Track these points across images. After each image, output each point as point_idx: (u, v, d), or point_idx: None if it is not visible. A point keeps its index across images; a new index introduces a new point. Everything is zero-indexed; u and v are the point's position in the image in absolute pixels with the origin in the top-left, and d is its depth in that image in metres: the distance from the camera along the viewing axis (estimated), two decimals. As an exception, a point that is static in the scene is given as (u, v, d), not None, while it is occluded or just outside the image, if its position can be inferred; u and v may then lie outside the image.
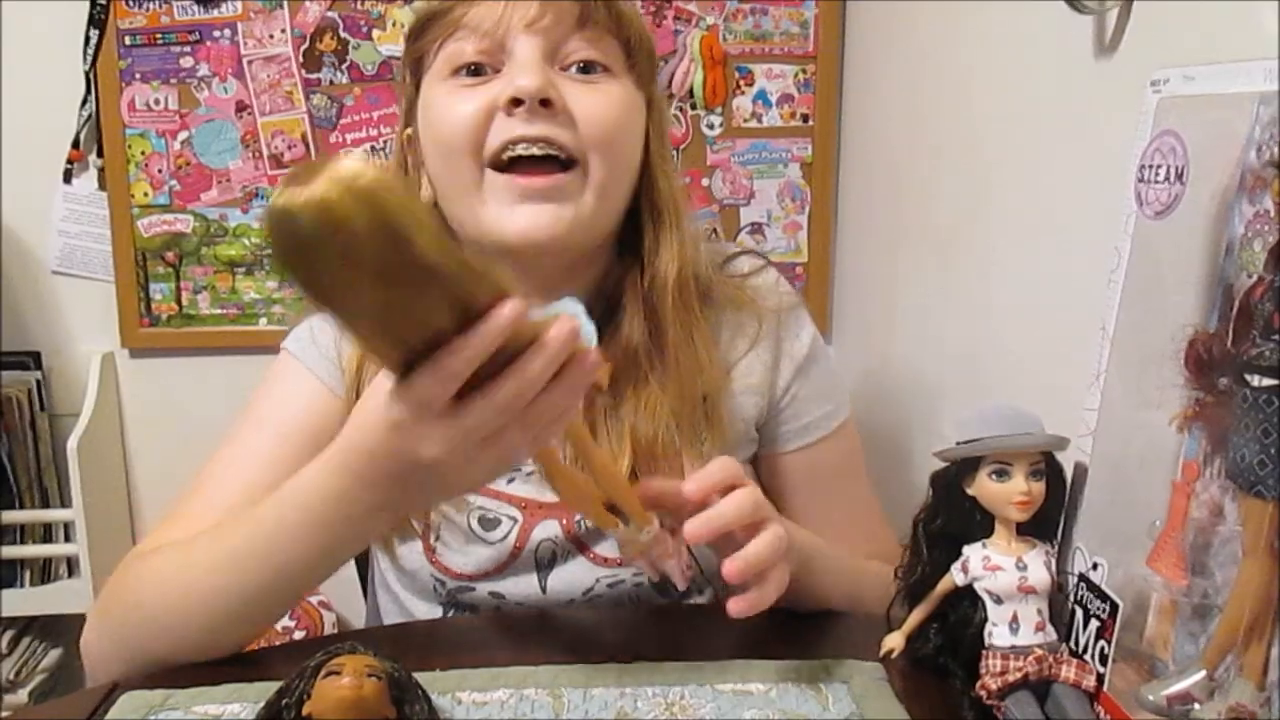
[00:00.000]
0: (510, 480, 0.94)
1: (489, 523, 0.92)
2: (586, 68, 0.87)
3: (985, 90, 1.18)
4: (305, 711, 0.61)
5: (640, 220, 0.92)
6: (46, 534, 1.76)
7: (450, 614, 0.96)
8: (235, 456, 0.89)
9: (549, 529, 0.92)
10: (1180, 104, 0.64)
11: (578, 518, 0.92)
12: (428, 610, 0.97)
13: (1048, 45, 1.00)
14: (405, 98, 0.94)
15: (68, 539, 1.74)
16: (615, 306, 0.92)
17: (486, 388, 0.59)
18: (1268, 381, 0.55)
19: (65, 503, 1.74)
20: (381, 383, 0.62)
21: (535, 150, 0.84)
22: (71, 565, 1.76)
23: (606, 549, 0.93)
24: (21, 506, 1.71)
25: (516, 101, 0.83)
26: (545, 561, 0.93)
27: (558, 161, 0.85)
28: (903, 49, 1.48)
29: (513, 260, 0.86)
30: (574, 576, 0.93)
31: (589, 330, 0.64)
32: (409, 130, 0.94)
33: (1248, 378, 0.56)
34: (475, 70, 0.86)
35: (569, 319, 0.60)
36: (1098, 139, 0.91)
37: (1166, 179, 0.64)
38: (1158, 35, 0.84)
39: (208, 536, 0.79)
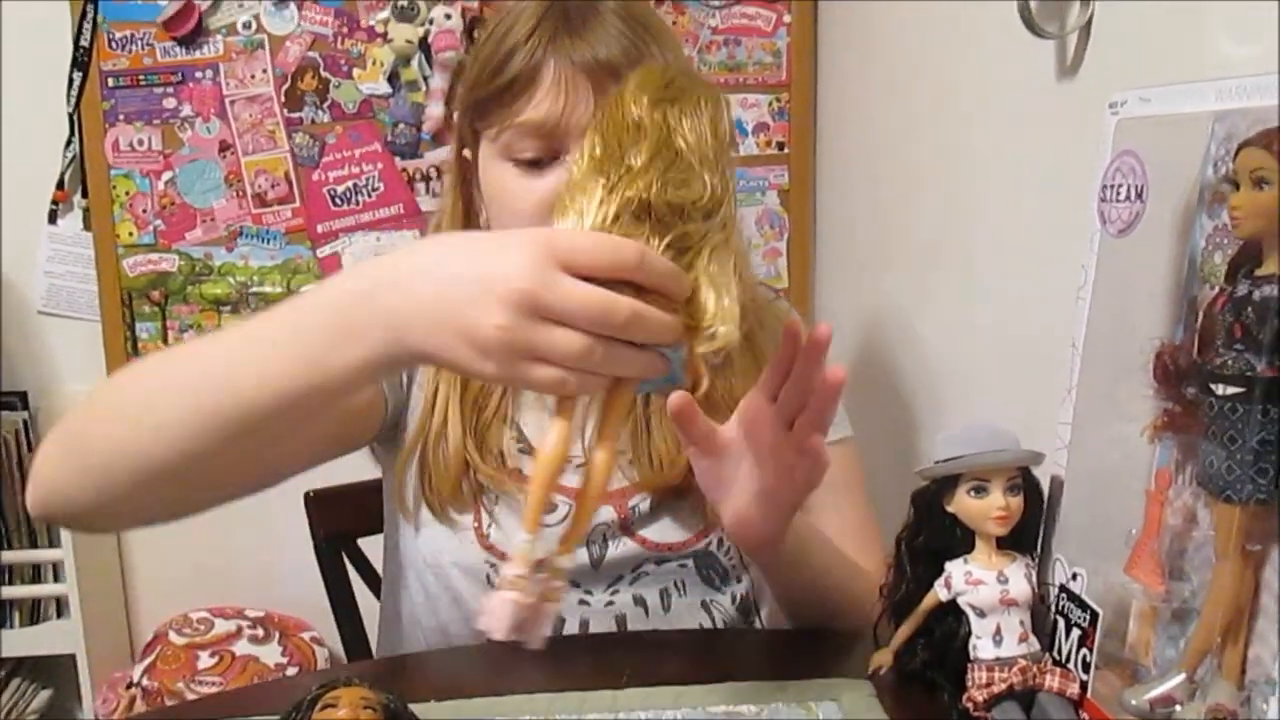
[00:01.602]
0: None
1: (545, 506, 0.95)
2: None
3: (954, 115, 1.21)
4: (302, 742, 0.62)
5: None
6: (35, 574, 1.76)
7: None
8: None
9: (603, 513, 0.96)
10: (1137, 125, 0.66)
11: (630, 503, 0.96)
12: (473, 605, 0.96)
13: (1012, 70, 1.03)
14: (461, 130, 0.98)
15: (56, 579, 1.74)
16: None
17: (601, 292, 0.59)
18: (1231, 390, 0.57)
19: (54, 543, 1.74)
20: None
21: None
22: (60, 605, 1.75)
23: (654, 533, 0.97)
24: (10, 547, 1.71)
25: None
26: (597, 541, 0.97)
27: None
28: (874, 75, 1.51)
29: None
30: (624, 554, 0.97)
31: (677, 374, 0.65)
32: (466, 152, 0.99)
33: (1213, 387, 0.58)
34: (533, 161, 0.90)
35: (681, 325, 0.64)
36: (1063, 160, 0.93)
37: (1127, 198, 0.67)
38: (1116, 58, 0.87)
39: (193, 341, 0.76)
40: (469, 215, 1.00)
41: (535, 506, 0.64)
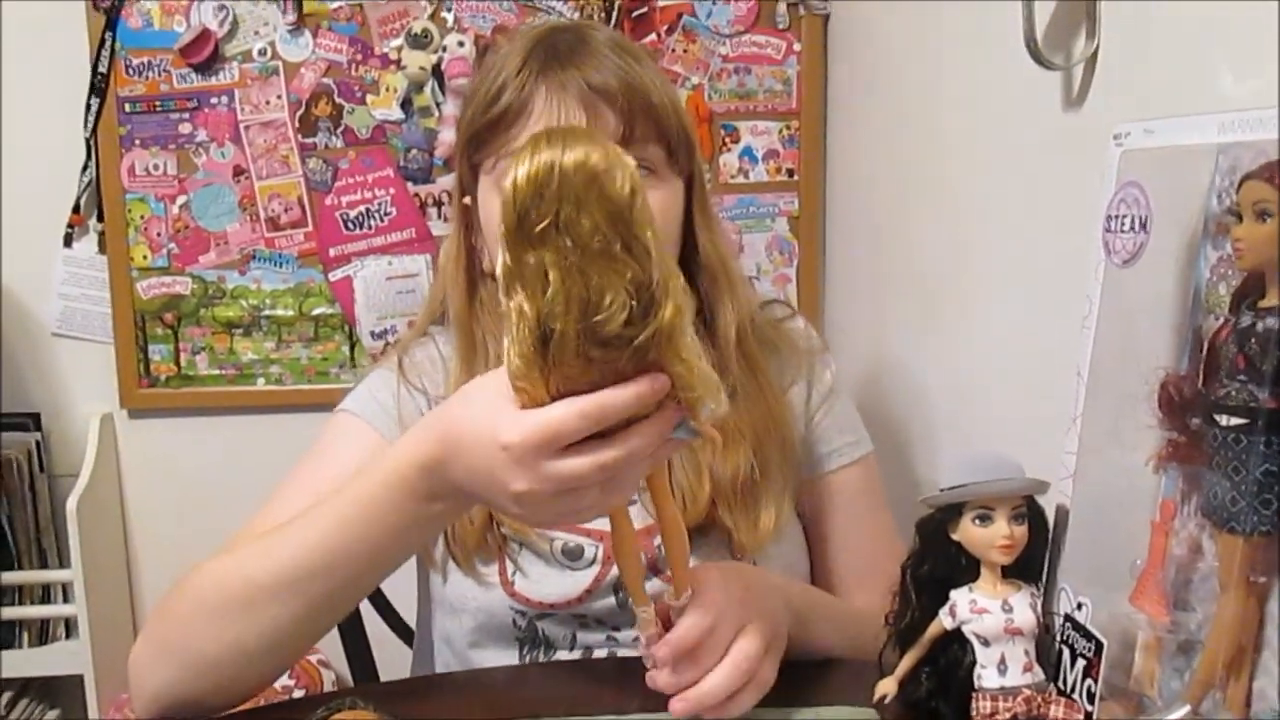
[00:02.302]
0: None
1: (572, 551, 0.96)
2: None
3: (962, 143, 1.22)
4: (306, 764, 0.62)
5: (694, 278, 0.97)
6: (45, 595, 1.77)
7: (525, 650, 0.97)
8: (287, 503, 0.90)
9: None
10: (1142, 156, 0.67)
11: (656, 542, 0.95)
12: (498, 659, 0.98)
13: (1019, 100, 1.04)
14: (461, 174, 1.01)
15: (66, 600, 1.74)
16: None
17: (593, 446, 0.65)
18: (1235, 421, 0.57)
19: (64, 563, 1.74)
20: (491, 400, 0.68)
21: None
22: (70, 626, 1.76)
23: None
24: (20, 568, 1.72)
25: None
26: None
27: None
28: (883, 104, 1.52)
29: None
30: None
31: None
32: (466, 199, 1.00)
33: (1217, 417, 0.58)
34: None
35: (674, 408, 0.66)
36: (1068, 189, 0.94)
37: (1132, 228, 0.67)
38: (1121, 90, 0.87)
39: (275, 535, 0.80)
40: (471, 262, 1.01)
41: (636, 587, 0.78)
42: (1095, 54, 0.89)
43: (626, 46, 0.96)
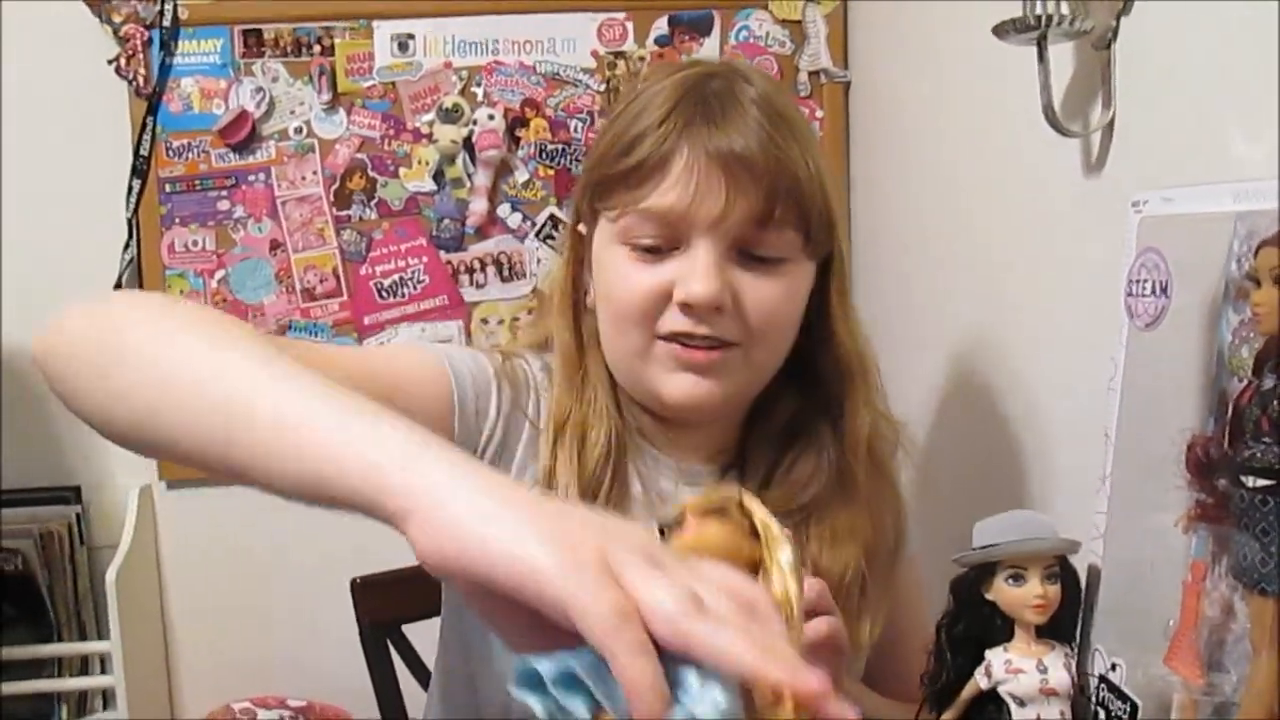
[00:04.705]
0: None
1: None
2: (764, 257, 0.86)
3: (983, 207, 1.23)
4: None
5: (821, 369, 0.93)
6: (83, 666, 1.78)
7: None
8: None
9: None
10: (1160, 223, 0.69)
11: None
12: None
13: (1038, 167, 1.05)
14: (579, 205, 0.94)
15: (104, 671, 1.76)
16: (793, 441, 0.94)
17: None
18: (1262, 482, 0.58)
19: (102, 635, 1.76)
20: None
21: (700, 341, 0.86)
22: (108, 698, 1.77)
23: None
24: (60, 639, 1.73)
25: (689, 304, 0.84)
26: None
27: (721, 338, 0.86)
28: (905, 170, 1.55)
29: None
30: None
31: None
32: (580, 226, 0.94)
33: (1243, 479, 0.59)
34: (651, 248, 0.86)
35: None
36: (1091, 253, 0.95)
37: (1153, 292, 0.68)
38: (1139, 156, 0.89)
39: (248, 355, 0.63)
40: (577, 293, 0.95)
41: None
42: (1112, 121, 0.91)
43: (781, 110, 0.88)
